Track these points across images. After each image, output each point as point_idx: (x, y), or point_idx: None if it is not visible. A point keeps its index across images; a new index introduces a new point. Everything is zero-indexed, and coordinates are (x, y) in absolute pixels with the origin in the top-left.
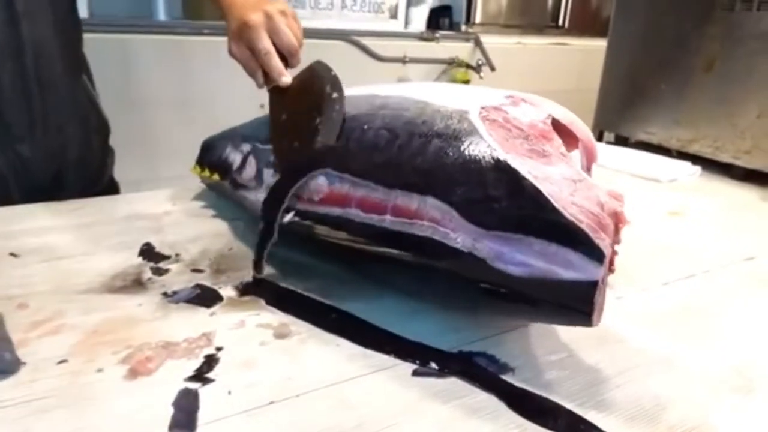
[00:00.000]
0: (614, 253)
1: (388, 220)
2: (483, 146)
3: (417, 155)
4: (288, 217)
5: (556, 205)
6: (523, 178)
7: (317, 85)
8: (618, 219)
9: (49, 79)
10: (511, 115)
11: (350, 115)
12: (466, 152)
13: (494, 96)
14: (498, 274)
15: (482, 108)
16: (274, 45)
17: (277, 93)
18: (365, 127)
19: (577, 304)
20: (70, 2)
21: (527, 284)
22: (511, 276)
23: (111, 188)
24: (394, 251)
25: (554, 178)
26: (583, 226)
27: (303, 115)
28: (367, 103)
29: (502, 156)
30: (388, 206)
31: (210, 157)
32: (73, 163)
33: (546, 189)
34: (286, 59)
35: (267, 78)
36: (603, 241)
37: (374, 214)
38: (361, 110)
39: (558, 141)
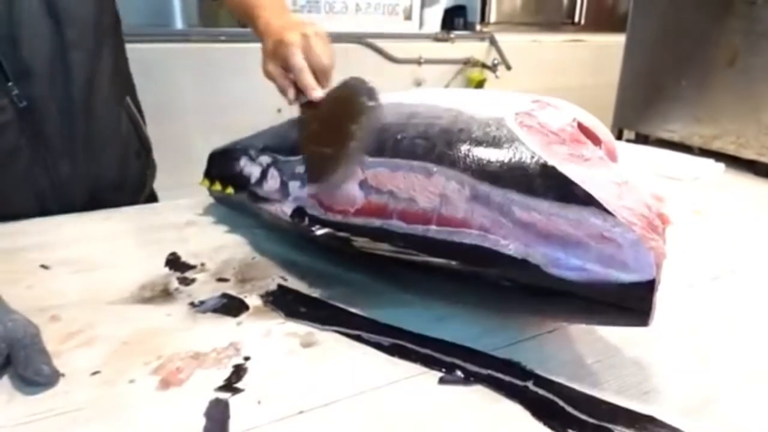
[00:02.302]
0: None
1: (432, 230)
2: (526, 153)
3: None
4: (321, 231)
5: (609, 208)
6: (573, 183)
7: (352, 96)
8: (663, 220)
9: (95, 107)
10: (542, 120)
11: (379, 125)
12: (511, 159)
13: (523, 101)
14: (554, 280)
15: (516, 114)
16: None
17: (309, 108)
18: (398, 137)
19: (636, 304)
20: (117, 28)
21: (584, 288)
22: (567, 281)
23: (150, 201)
24: (440, 260)
25: (600, 181)
26: (636, 228)
27: (336, 124)
28: (394, 112)
29: (549, 161)
30: (433, 217)
31: (221, 170)
32: (109, 187)
33: (596, 193)
34: (318, 80)
35: (298, 94)
36: (657, 242)
37: (418, 225)
38: (389, 119)
39: (590, 144)
